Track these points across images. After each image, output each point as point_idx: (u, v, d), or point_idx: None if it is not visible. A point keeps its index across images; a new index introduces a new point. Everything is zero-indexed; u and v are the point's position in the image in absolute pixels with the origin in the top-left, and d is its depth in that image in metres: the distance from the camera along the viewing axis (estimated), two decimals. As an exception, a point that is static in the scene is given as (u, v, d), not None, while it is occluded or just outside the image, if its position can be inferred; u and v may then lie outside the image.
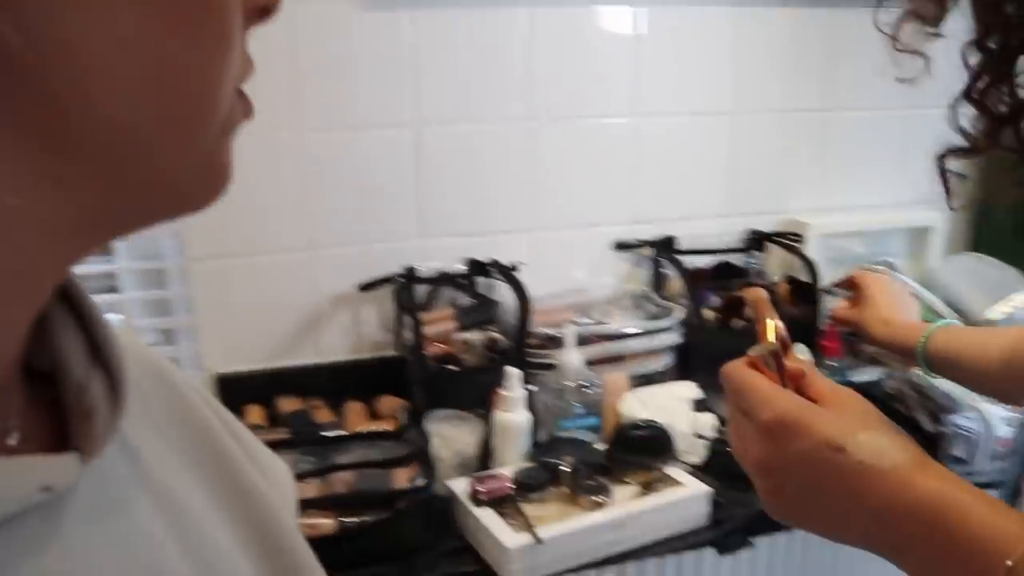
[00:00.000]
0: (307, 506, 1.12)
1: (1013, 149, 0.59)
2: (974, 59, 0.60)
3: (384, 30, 1.43)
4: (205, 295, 1.43)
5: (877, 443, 0.53)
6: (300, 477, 1.17)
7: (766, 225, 1.70)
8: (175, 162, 0.32)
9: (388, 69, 1.45)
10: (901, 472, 0.52)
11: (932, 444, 1.38)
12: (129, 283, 1.42)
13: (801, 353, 0.86)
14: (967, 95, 0.60)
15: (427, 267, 1.53)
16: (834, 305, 1.31)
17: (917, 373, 1.48)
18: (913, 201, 1.84)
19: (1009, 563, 0.45)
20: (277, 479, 0.53)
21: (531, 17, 1.50)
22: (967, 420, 1.35)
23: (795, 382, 0.61)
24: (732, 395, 0.62)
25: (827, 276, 1.67)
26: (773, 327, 0.64)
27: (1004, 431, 1.36)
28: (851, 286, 1.26)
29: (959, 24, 0.63)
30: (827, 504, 0.55)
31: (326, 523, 1.12)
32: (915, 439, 1.37)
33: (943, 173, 0.70)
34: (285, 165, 1.43)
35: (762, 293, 0.69)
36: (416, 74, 1.46)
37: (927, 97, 1.76)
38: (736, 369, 0.63)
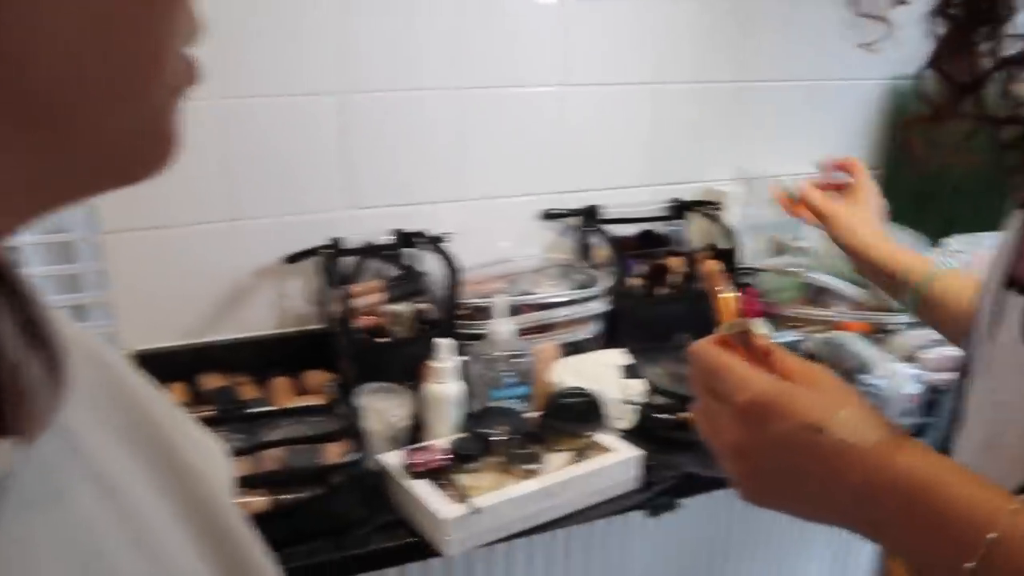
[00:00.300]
0: (239, 484, 1.10)
1: (975, 117, 0.60)
2: (939, 28, 0.60)
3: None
4: (121, 269, 1.38)
5: (857, 420, 0.52)
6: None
7: (687, 194, 1.73)
8: (120, 124, 0.30)
9: (311, 36, 1.41)
10: (882, 448, 0.51)
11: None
12: (36, 257, 1.36)
13: (761, 328, 0.82)
14: (932, 63, 0.61)
15: (354, 238, 1.51)
16: (809, 187, 1.12)
17: (839, 335, 1.54)
18: (827, 169, 1.90)
19: (991, 536, 0.45)
20: (213, 458, 0.52)
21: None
22: (879, 379, 1.41)
23: (764, 360, 0.59)
24: (702, 376, 0.59)
25: (747, 245, 1.72)
26: (731, 300, 0.63)
27: (913, 388, 1.43)
28: (847, 170, 1.14)
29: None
30: (806, 485, 0.54)
31: (259, 501, 1.10)
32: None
33: (906, 141, 0.70)
34: (205, 133, 1.38)
35: (715, 265, 0.69)
36: (341, 41, 1.42)
37: (837, 69, 1.83)
38: (706, 349, 0.60)
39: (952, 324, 0.92)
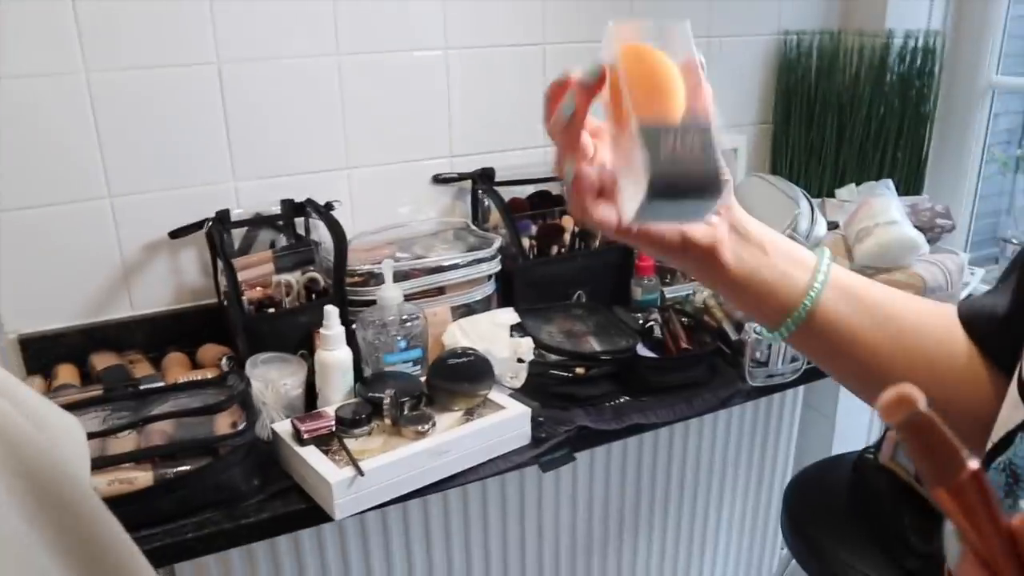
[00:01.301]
0: (121, 460, 1.10)
1: None
2: None
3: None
4: (1, 252, 1.35)
5: None
6: (112, 432, 1.14)
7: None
8: None
9: (184, 4, 1.38)
10: None
11: (737, 351, 1.48)
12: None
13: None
14: None
15: (243, 210, 1.50)
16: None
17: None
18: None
19: None
20: (60, 435, 0.52)
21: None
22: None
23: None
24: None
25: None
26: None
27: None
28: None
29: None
30: None
31: (142, 476, 1.10)
32: (721, 347, 1.46)
33: None
34: (79, 108, 1.35)
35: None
36: (218, 8, 1.40)
37: (726, 25, 1.86)
38: None
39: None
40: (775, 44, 1.96)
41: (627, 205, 0.54)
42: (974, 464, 0.36)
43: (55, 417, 0.53)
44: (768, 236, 0.63)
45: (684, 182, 0.50)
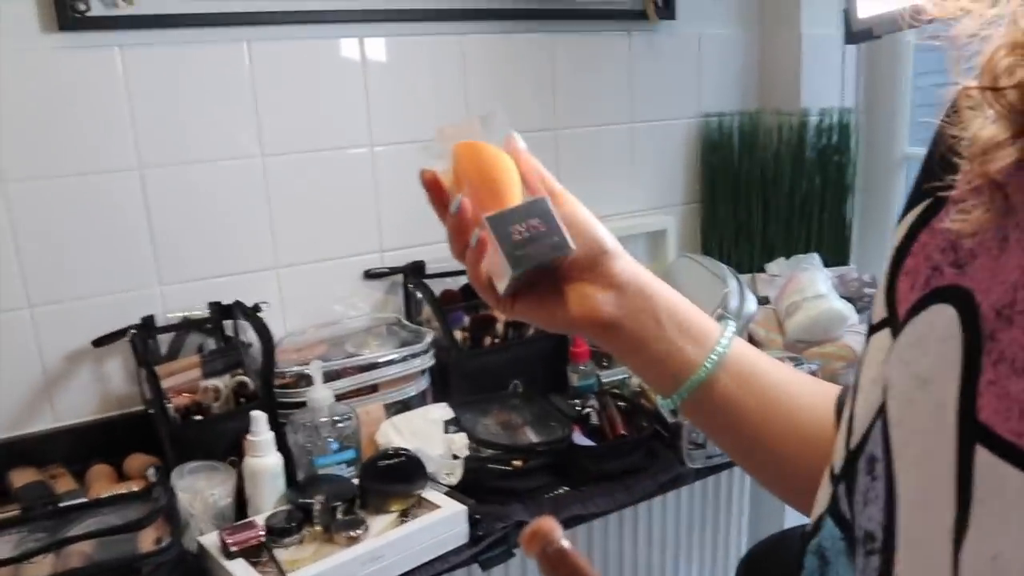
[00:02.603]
0: (37, 587, 1.05)
1: None
2: None
3: (94, 70, 1.36)
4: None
5: None
6: (25, 556, 1.09)
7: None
8: None
9: (104, 111, 1.38)
10: None
11: (674, 434, 1.48)
12: None
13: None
14: None
15: (170, 314, 1.47)
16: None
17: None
18: (647, 207, 1.98)
19: None
20: None
21: (252, 51, 1.48)
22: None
23: None
24: None
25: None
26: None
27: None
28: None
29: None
30: None
31: (59, 603, 1.05)
32: (659, 430, 1.45)
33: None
34: (-6, 221, 1.33)
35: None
36: (133, 115, 1.40)
37: (647, 110, 1.91)
38: None
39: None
40: (697, 127, 2.02)
41: (498, 283, 0.60)
42: None
43: None
44: (666, 306, 0.62)
45: (538, 253, 0.58)
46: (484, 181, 0.61)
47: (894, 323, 0.41)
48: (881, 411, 0.40)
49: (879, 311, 0.44)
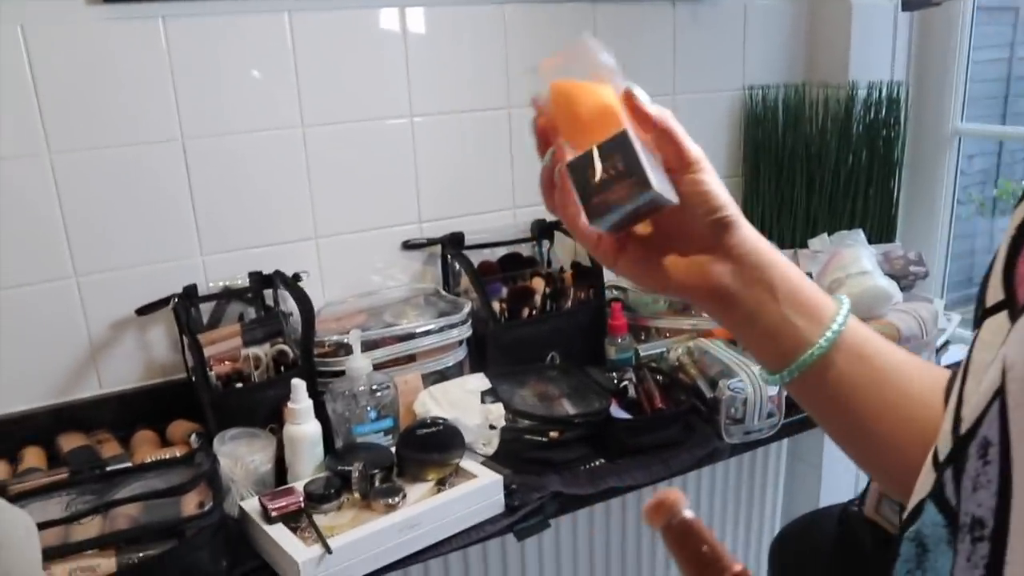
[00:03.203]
0: (84, 547, 1.07)
1: None
2: None
3: (138, 41, 1.37)
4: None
5: None
6: (75, 518, 1.11)
7: (550, 215, 1.75)
8: None
9: (146, 82, 1.39)
10: None
11: (712, 409, 1.47)
12: None
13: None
14: None
15: (212, 284, 1.49)
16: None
17: (701, 343, 1.57)
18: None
19: None
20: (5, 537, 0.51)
21: (293, 22, 1.48)
22: (740, 383, 1.45)
23: None
24: None
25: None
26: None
27: (773, 389, 1.47)
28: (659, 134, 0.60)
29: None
30: None
31: (105, 563, 1.07)
32: (697, 404, 1.44)
33: None
34: (45, 189, 1.35)
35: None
36: (176, 86, 1.41)
37: (691, 82, 1.88)
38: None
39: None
40: (740, 99, 1.98)
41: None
42: (738, 567, 0.38)
43: (10, 515, 0.52)
44: (781, 278, 0.60)
45: (618, 199, 0.54)
46: (570, 127, 0.58)
47: (1012, 306, 0.40)
48: (999, 393, 0.38)
49: (994, 294, 0.42)
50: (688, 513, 0.50)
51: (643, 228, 0.61)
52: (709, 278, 0.59)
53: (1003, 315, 0.41)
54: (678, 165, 0.59)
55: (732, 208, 0.59)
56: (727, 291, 0.59)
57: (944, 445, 0.43)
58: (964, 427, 0.41)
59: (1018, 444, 0.37)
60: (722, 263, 0.59)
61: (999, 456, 0.38)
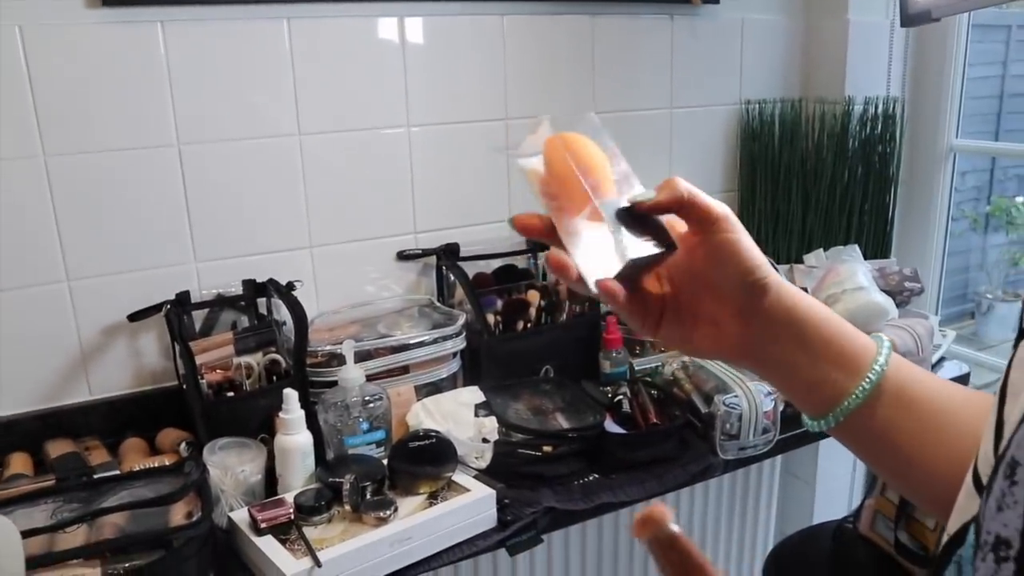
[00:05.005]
0: (69, 557, 1.06)
1: None
2: None
3: (135, 46, 1.36)
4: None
5: None
6: (60, 527, 1.10)
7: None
8: None
9: (143, 87, 1.38)
10: None
11: (707, 424, 1.46)
12: None
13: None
14: None
15: (205, 291, 1.48)
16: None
17: (693, 361, 1.56)
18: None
19: None
20: None
21: (292, 30, 1.47)
22: (735, 398, 1.44)
23: None
24: None
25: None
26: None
27: (768, 405, 1.46)
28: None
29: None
30: None
31: (90, 572, 1.05)
32: (692, 419, 1.44)
33: None
34: (39, 192, 1.34)
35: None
36: (172, 91, 1.40)
37: (689, 96, 1.88)
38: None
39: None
40: (737, 113, 1.98)
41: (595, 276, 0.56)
42: None
43: None
44: (815, 332, 0.58)
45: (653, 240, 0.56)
46: (594, 173, 0.59)
47: None
48: None
49: None
50: (674, 527, 0.51)
51: (664, 287, 0.61)
52: (726, 343, 0.59)
53: None
54: (704, 228, 0.58)
55: (765, 269, 0.58)
56: (761, 351, 0.59)
57: (985, 467, 0.42)
58: (1002, 447, 0.41)
59: None
60: (754, 325, 0.58)
61: None
